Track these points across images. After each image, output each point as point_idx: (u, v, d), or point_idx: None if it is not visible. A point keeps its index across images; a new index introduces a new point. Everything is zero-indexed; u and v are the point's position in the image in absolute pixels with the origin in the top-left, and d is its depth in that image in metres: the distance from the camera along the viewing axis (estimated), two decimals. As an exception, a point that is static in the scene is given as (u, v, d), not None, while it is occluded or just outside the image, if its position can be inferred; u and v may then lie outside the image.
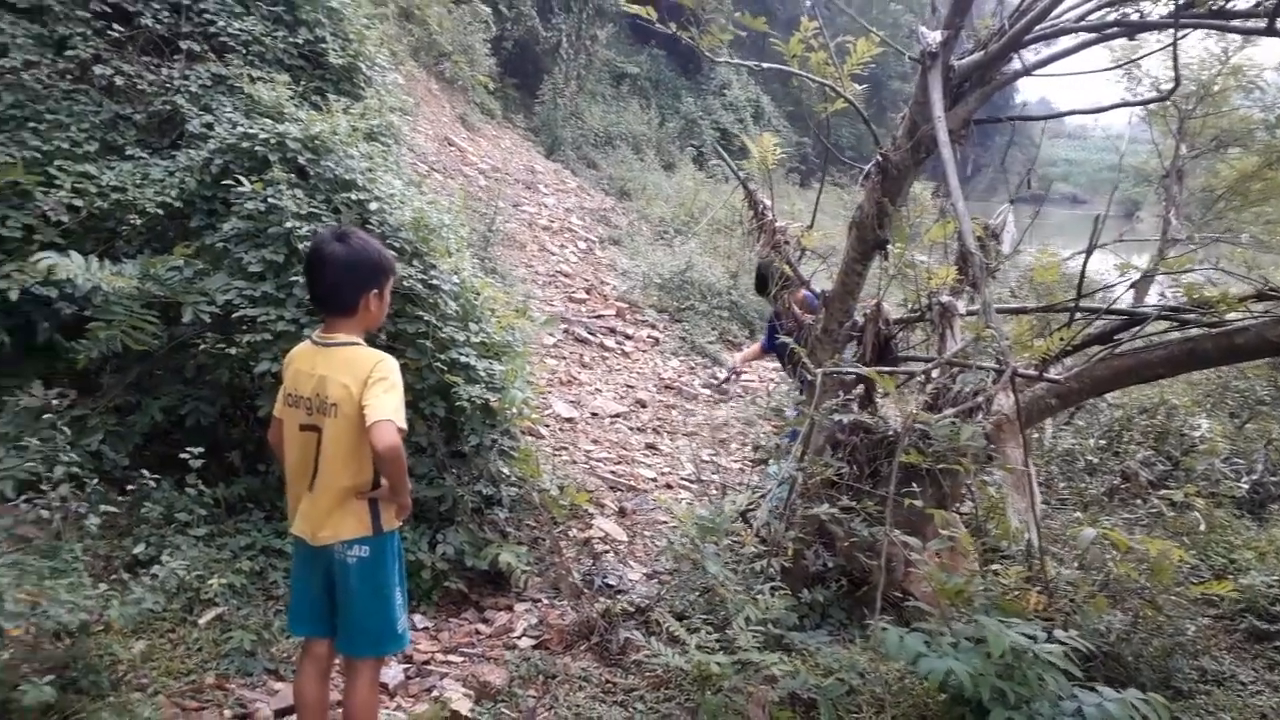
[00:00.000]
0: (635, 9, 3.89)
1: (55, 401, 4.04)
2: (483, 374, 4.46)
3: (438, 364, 4.34)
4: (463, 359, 4.43)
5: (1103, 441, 6.54)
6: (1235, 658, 4.53)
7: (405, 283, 4.35)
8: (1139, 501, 5.48)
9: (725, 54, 4.17)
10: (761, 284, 5.05)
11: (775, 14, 24.53)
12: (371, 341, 4.16)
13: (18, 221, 4.54)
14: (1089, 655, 3.88)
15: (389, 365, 2.79)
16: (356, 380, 2.73)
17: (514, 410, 4.63)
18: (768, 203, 4.28)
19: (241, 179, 4.47)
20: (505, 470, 4.76)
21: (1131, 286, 3.86)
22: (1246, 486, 6.20)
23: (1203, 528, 5.12)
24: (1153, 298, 5.63)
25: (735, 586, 3.46)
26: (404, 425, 2.71)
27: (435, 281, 4.50)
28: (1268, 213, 10.22)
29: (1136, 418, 6.73)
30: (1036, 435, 6.03)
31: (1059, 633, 2.93)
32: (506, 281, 8.94)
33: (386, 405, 2.67)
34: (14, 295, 4.29)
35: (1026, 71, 3.78)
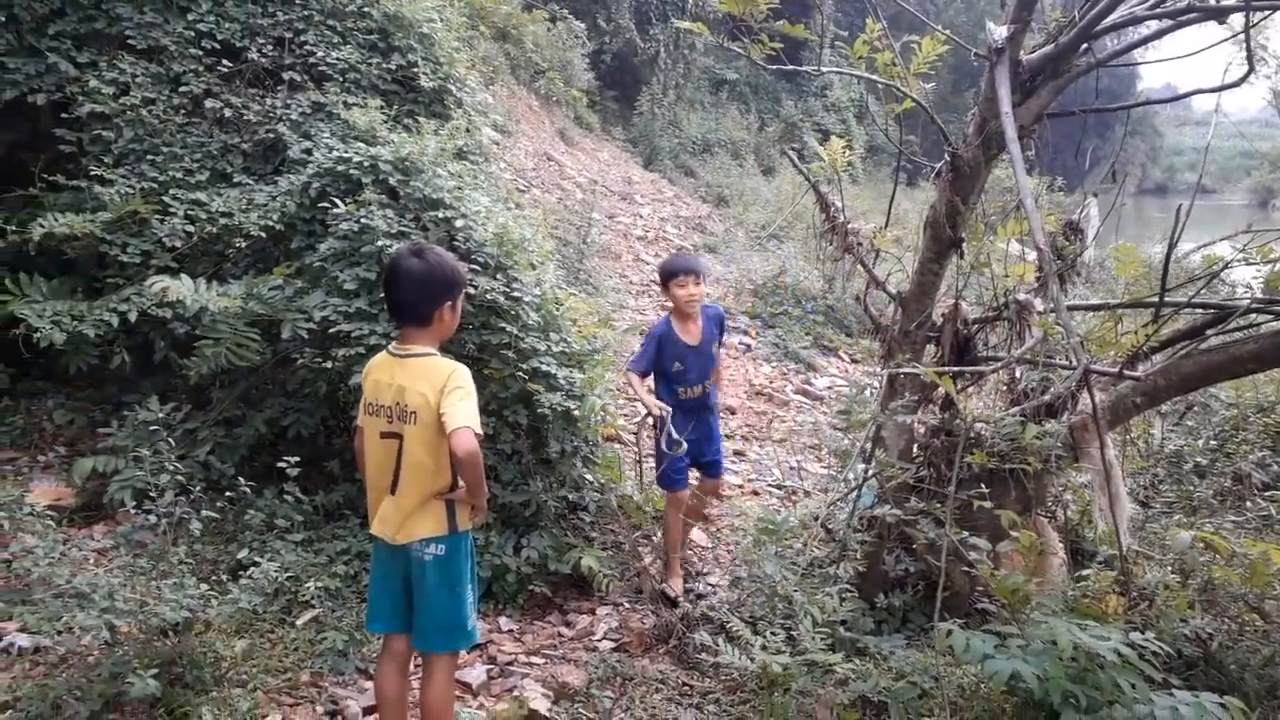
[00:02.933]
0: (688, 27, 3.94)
1: (168, 415, 4.35)
2: (563, 382, 4.58)
3: (520, 373, 4.48)
4: (544, 368, 4.56)
5: (1214, 442, 6.23)
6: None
7: (488, 295, 4.50)
8: (1249, 505, 5.22)
9: (818, 58, 4.17)
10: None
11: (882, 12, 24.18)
12: (459, 353, 4.37)
13: (137, 248, 4.90)
14: (1189, 664, 3.75)
15: (463, 374, 2.94)
16: (434, 389, 2.88)
17: (594, 417, 4.73)
18: (839, 204, 4.27)
19: (337, 201, 4.71)
20: (588, 476, 4.88)
21: (1213, 278, 3.69)
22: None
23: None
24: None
25: (795, 589, 3.46)
26: (480, 431, 2.85)
27: (517, 294, 4.64)
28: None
29: (1253, 416, 6.39)
30: (1138, 435, 5.80)
31: (1136, 636, 2.85)
32: (600, 292, 9.09)
33: (464, 412, 2.82)
34: (133, 317, 4.65)
35: (1101, 63, 3.68)
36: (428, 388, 2.89)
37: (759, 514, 3.99)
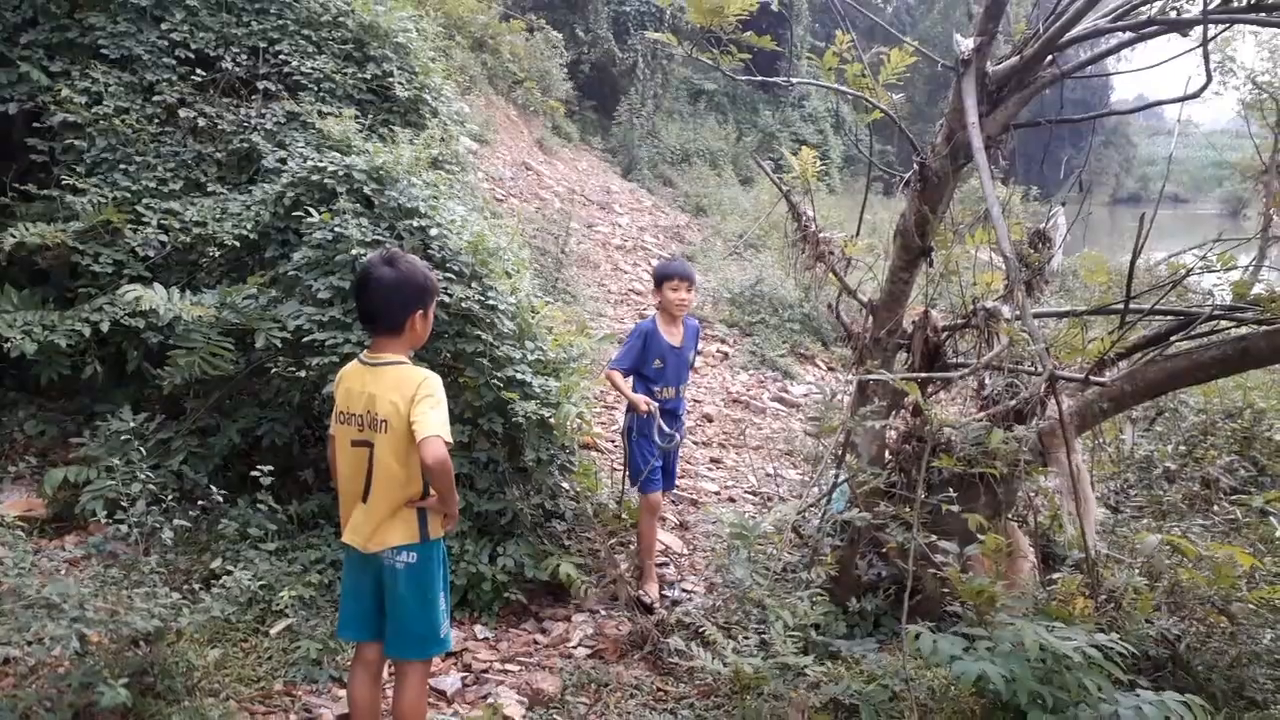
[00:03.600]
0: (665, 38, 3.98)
1: (141, 425, 4.33)
2: (538, 390, 4.59)
3: (495, 381, 4.49)
4: (519, 376, 4.57)
5: (1183, 447, 6.32)
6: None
7: (464, 304, 4.51)
8: (1217, 509, 5.29)
9: (792, 69, 4.21)
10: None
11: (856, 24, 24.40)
12: (433, 362, 4.38)
13: (109, 258, 4.89)
14: (1158, 665, 3.80)
15: (434, 383, 2.93)
16: (404, 398, 2.88)
17: (571, 424, 4.74)
18: (810, 213, 4.32)
19: (311, 210, 4.71)
20: (565, 484, 4.89)
21: (1174, 286, 3.75)
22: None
23: (1281, 535, 4.92)
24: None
25: (766, 593, 3.49)
26: (450, 439, 2.85)
27: (492, 302, 4.66)
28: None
29: (1221, 422, 6.49)
30: (1107, 441, 5.87)
31: (1100, 636, 2.89)
32: (578, 301, 9.11)
33: (434, 421, 2.82)
34: (105, 326, 4.63)
35: (1066, 74, 3.74)
36: (398, 396, 2.89)
37: (732, 519, 4.02)
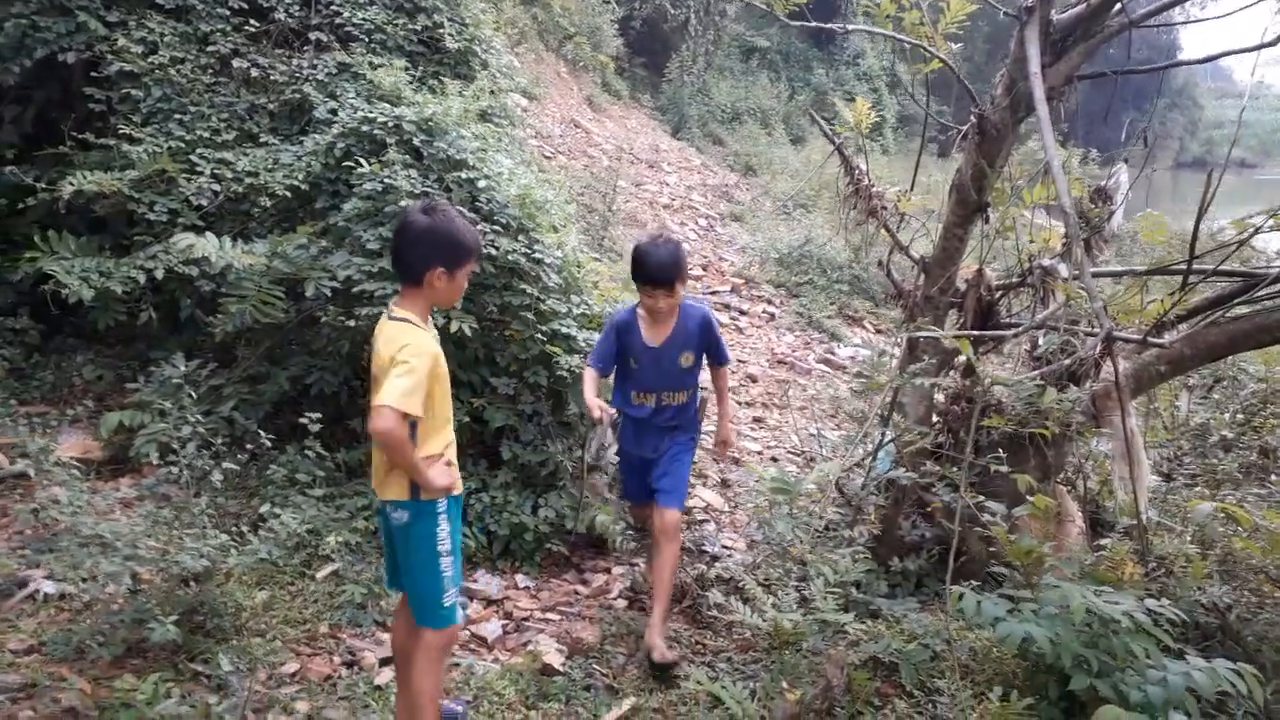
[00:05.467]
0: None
1: (193, 372, 4.40)
2: (583, 344, 4.59)
3: (540, 335, 4.49)
4: (564, 330, 4.57)
5: (1241, 415, 6.15)
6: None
7: (510, 256, 4.51)
8: (1274, 479, 5.15)
9: (847, 20, 4.12)
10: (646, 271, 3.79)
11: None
12: (480, 315, 4.37)
13: (164, 207, 4.95)
14: (1206, 634, 3.73)
15: (414, 349, 2.73)
16: (389, 357, 2.74)
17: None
18: (863, 167, 4.24)
19: (361, 161, 4.72)
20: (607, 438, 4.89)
21: (1241, 245, 3.63)
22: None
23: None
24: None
25: (808, 549, 3.47)
26: (411, 410, 2.64)
27: (539, 255, 4.65)
28: None
29: (1283, 390, 6.29)
30: (1159, 406, 5.74)
31: (1150, 602, 2.84)
32: (624, 259, 9.07)
33: (393, 389, 2.63)
34: (160, 274, 4.69)
35: (1134, 23, 3.60)
36: (387, 354, 2.76)
37: (773, 475, 4.00)
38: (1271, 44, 3.19)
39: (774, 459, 6.16)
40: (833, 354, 8.93)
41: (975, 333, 3.77)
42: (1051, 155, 3.22)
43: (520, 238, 4.69)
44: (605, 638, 3.88)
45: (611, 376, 4.16)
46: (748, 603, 3.56)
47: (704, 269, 10.35)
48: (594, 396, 3.84)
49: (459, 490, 2.97)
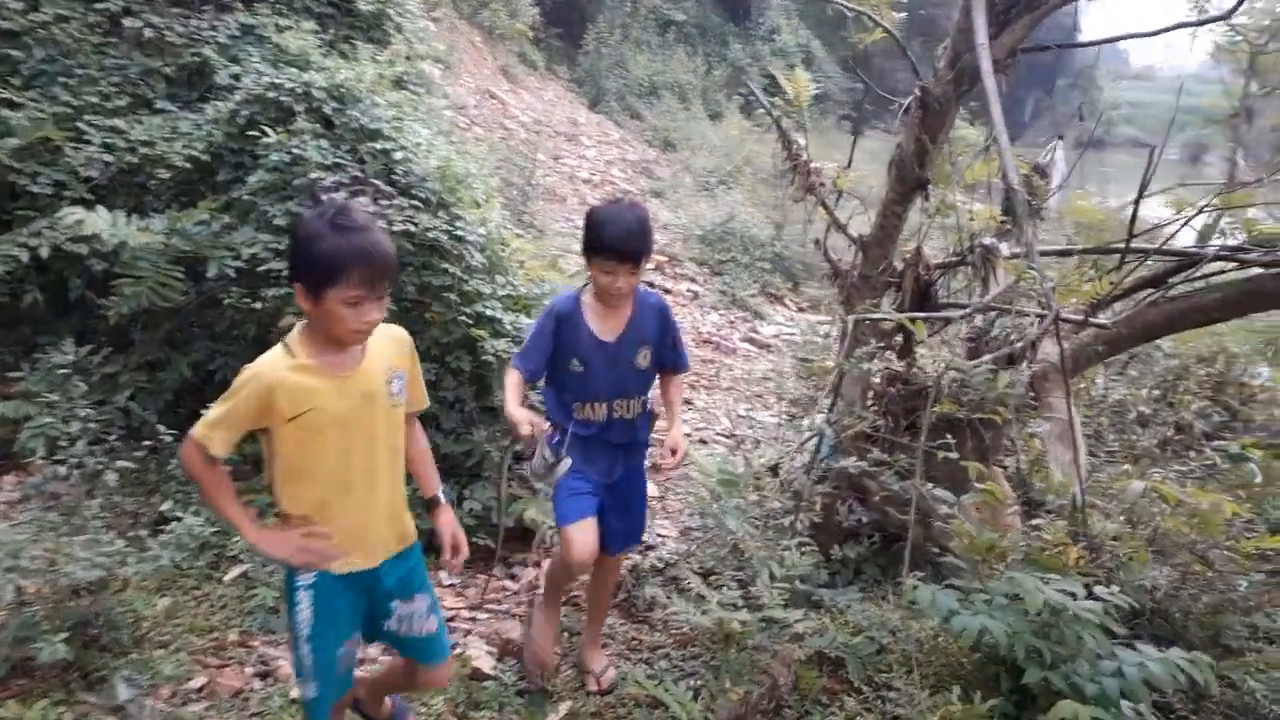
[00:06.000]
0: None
1: (84, 358, 4.06)
2: (509, 327, 4.39)
3: (463, 317, 4.27)
4: (489, 312, 4.36)
5: (1156, 392, 6.28)
6: (1289, 614, 4.33)
7: (429, 234, 4.28)
8: (1192, 454, 5.25)
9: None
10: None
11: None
12: (397, 295, 4.12)
13: (49, 178, 4.55)
14: (1135, 612, 3.75)
15: (244, 374, 2.32)
16: None
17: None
18: (802, 143, 4.11)
19: (267, 130, 4.42)
20: (536, 425, 4.70)
21: (1184, 225, 3.62)
22: (1310, 437, 5.91)
23: (1259, 480, 4.89)
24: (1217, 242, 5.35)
25: (757, 543, 3.36)
26: (209, 444, 2.27)
27: (460, 232, 4.42)
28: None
29: (1193, 367, 6.45)
30: (1083, 385, 5.80)
31: (1100, 589, 2.79)
32: (545, 235, 8.84)
33: (202, 417, 2.31)
34: (45, 252, 4.31)
35: (1076, -3, 3.54)
36: None
37: (717, 465, 3.86)
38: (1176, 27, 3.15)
39: (703, 441, 6.05)
40: (756, 332, 8.87)
41: (920, 314, 3.69)
42: (1000, 129, 3.14)
43: (441, 213, 4.45)
44: (537, 636, 3.70)
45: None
46: (684, 595, 3.43)
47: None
48: (519, 407, 3.02)
49: (330, 567, 2.37)
